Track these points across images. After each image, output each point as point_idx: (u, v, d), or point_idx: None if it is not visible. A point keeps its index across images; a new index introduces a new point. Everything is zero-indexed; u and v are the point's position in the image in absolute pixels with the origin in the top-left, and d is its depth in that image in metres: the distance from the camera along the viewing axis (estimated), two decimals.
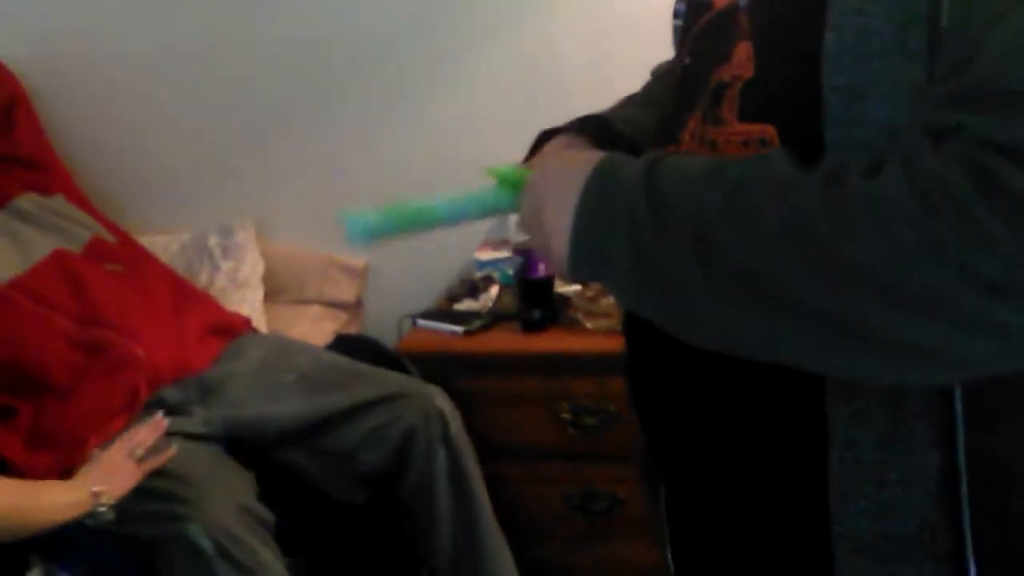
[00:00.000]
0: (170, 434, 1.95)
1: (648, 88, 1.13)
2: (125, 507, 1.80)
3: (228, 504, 1.80)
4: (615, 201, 0.74)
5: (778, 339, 0.68)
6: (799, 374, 0.73)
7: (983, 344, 0.61)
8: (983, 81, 0.62)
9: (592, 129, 1.00)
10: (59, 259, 2.22)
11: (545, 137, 1.03)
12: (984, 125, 0.60)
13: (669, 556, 1.02)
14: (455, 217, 0.95)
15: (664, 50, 1.07)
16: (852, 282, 0.62)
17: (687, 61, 0.91)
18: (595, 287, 2.28)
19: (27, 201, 2.35)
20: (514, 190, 0.93)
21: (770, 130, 0.76)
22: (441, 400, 2.05)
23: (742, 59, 0.80)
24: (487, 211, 0.96)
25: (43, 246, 2.25)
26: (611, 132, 0.99)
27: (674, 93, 0.92)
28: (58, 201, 2.41)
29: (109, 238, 2.39)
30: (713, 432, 0.86)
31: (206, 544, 1.73)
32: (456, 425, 2.04)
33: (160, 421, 1.93)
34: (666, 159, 0.75)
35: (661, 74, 1.10)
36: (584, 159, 0.79)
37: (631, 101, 1.09)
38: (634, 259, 0.72)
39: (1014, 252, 0.58)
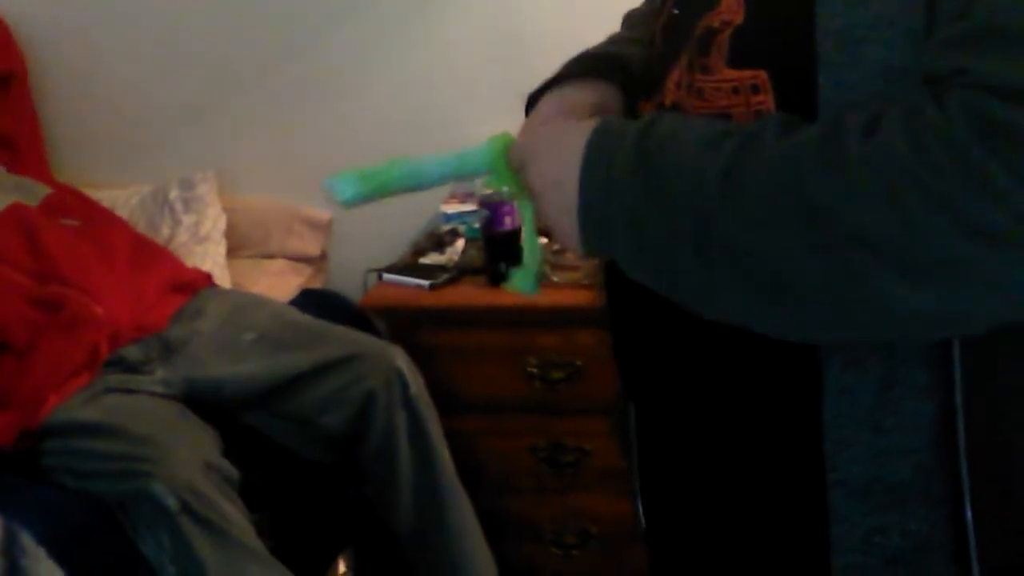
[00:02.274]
0: (132, 391, 1.93)
1: (637, 29, 1.10)
2: (88, 467, 1.79)
3: (192, 461, 1.79)
4: (614, 188, 0.74)
5: (787, 319, 0.68)
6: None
7: (993, 299, 0.61)
8: (983, 24, 0.60)
9: (608, 72, 0.98)
10: (15, 214, 2.18)
11: (556, 81, 1.00)
12: (986, 69, 0.59)
13: (640, 508, 1.01)
14: (441, 177, 0.95)
15: None
16: (859, 253, 0.62)
17: (675, 10, 0.89)
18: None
19: None
20: (503, 152, 0.93)
21: (762, 75, 0.75)
22: (401, 360, 2.04)
23: (732, 4, 0.78)
24: (474, 171, 0.96)
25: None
26: (626, 75, 0.97)
27: (660, 41, 0.90)
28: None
29: (64, 195, 2.36)
30: (703, 382, 0.85)
31: (171, 501, 1.72)
32: (417, 386, 2.03)
33: None
34: (654, 129, 0.74)
35: (637, 19, 1.07)
36: (576, 135, 0.79)
37: (627, 39, 1.06)
38: (637, 246, 0.74)
39: (1020, 201, 0.57)
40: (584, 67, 0.97)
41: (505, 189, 0.92)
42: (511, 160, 0.90)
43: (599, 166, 0.76)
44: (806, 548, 0.78)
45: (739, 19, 0.78)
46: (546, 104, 0.95)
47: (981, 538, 0.73)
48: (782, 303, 0.67)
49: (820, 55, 0.68)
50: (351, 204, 0.94)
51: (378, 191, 0.94)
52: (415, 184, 0.95)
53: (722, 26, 0.80)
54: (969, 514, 0.72)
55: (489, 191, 2.22)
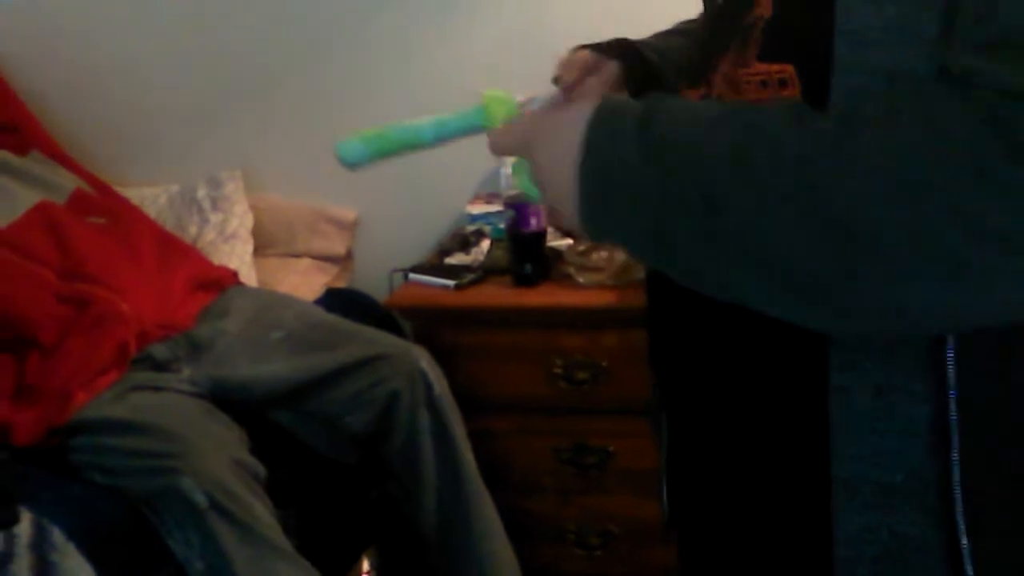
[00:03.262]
0: (159, 389, 1.95)
1: (681, 24, 1.11)
2: (116, 464, 1.80)
3: (220, 457, 1.80)
4: (615, 162, 0.72)
5: (789, 305, 0.67)
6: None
7: (996, 297, 0.61)
8: (1004, 31, 0.60)
9: (622, 54, 0.98)
10: (43, 212, 2.20)
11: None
12: (1005, 73, 0.58)
13: (665, 505, 1.02)
14: (441, 135, 0.97)
15: None
16: (864, 246, 0.61)
17: (719, 2, 0.89)
18: (587, 242, 2.27)
19: (4, 156, 2.32)
20: (503, 112, 0.95)
21: (789, 69, 0.75)
22: (425, 361, 2.05)
23: None
24: (471, 129, 0.97)
25: (26, 199, 2.23)
26: (640, 59, 0.97)
27: (704, 33, 0.90)
28: (34, 157, 2.38)
29: (90, 191, 2.37)
30: (725, 380, 0.86)
31: (199, 497, 1.73)
32: (440, 386, 2.04)
33: None
34: (661, 108, 0.73)
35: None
36: (578, 117, 0.76)
37: (676, 32, 1.07)
38: (641, 223, 0.71)
39: None
40: (605, 47, 0.98)
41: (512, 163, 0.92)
42: (513, 147, 0.88)
43: (600, 145, 0.73)
44: (812, 539, 0.79)
45: (769, 13, 0.79)
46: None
47: (975, 544, 0.73)
48: (787, 290, 0.66)
49: (836, 56, 0.68)
50: (355, 166, 0.98)
51: (379, 152, 0.98)
52: (413, 142, 0.97)
53: (756, 20, 0.80)
54: (961, 520, 0.72)
55: (515, 192, 2.22)
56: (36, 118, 2.56)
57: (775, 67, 0.76)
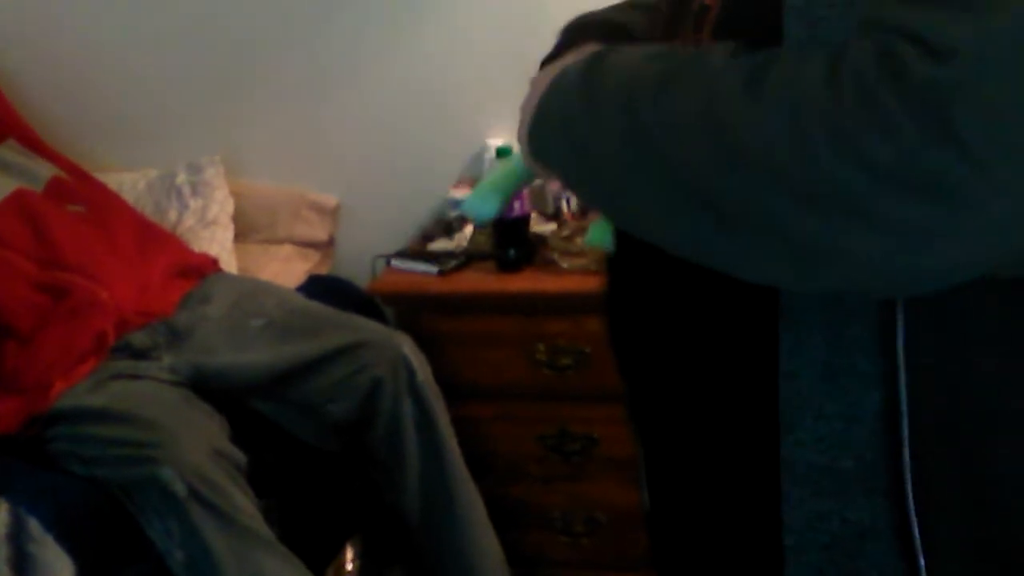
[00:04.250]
0: (138, 377, 1.93)
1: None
2: (95, 453, 1.79)
3: (201, 446, 1.79)
4: (554, 91, 0.78)
5: (690, 231, 0.69)
6: (761, 304, 0.73)
7: (883, 239, 0.60)
8: None
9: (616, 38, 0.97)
10: (19, 200, 2.18)
11: (570, 37, 1.00)
12: (903, 13, 0.59)
13: (646, 496, 1.02)
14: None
15: None
16: (757, 172, 0.62)
17: None
18: (571, 227, 2.26)
19: None
20: None
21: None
22: (408, 348, 2.04)
23: None
24: None
25: (2, 187, 2.21)
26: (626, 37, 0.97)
27: (665, 12, 0.89)
28: (10, 145, 2.36)
29: (68, 178, 2.35)
30: (682, 366, 0.86)
31: (179, 487, 1.72)
32: (423, 373, 2.03)
33: None
34: (614, 48, 0.76)
35: None
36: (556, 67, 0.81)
37: (634, 5, 1.06)
38: (568, 142, 0.76)
39: (914, 142, 0.57)
40: (587, 36, 0.97)
41: None
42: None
43: (557, 83, 0.78)
44: (763, 526, 0.79)
45: None
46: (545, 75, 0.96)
47: (925, 530, 0.72)
48: (690, 214, 0.67)
49: (786, 34, 0.68)
50: (492, 217, 1.01)
51: (508, 194, 1.00)
52: (523, 181, 0.99)
53: (712, 2, 0.80)
54: (912, 506, 0.71)
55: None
56: (12, 105, 2.53)
57: None
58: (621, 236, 0.92)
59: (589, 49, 0.81)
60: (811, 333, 0.72)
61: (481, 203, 0.99)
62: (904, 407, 0.70)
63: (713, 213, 0.65)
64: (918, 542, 0.72)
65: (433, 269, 2.24)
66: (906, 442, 0.71)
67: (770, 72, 0.63)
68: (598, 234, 0.95)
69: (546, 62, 0.98)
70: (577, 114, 0.75)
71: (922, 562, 0.72)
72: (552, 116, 0.79)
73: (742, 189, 0.63)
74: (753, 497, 0.80)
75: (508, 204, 1.00)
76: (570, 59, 0.81)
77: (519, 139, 0.87)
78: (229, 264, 2.45)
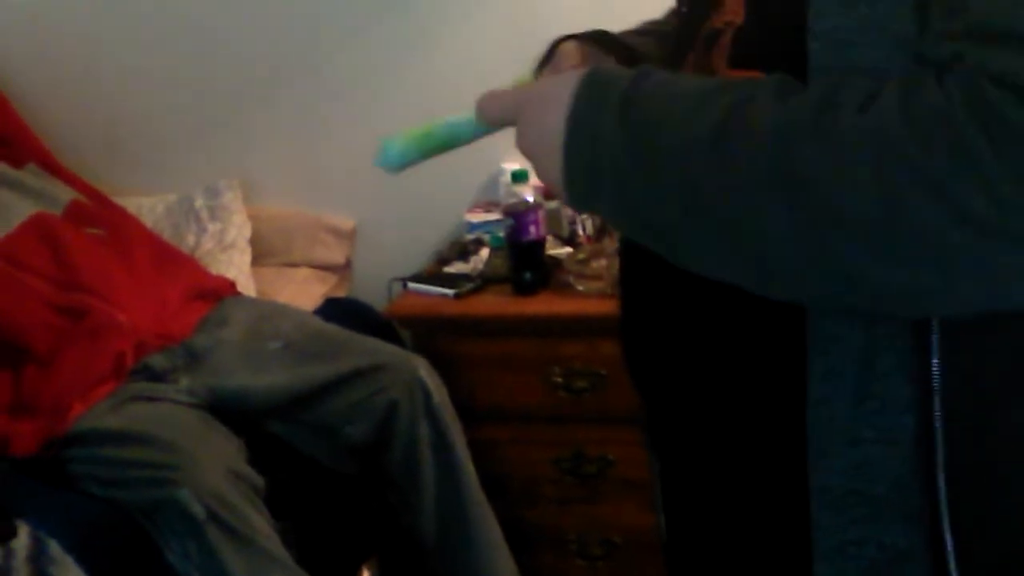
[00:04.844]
0: (156, 399, 1.94)
1: (646, 25, 1.10)
2: (114, 475, 1.79)
3: (219, 469, 1.79)
4: (599, 141, 0.72)
5: (769, 283, 0.68)
6: (786, 329, 0.72)
7: (970, 285, 0.61)
8: (981, 19, 0.59)
9: (606, 44, 0.97)
10: (39, 223, 2.20)
11: (559, 43, 0.99)
12: (985, 56, 0.58)
13: (662, 520, 1.01)
14: (478, 129, 0.93)
15: None
16: (839, 230, 0.61)
17: (683, 9, 0.88)
18: (586, 250, 2.26)
19: (1, 168, 2.32)
20: None
21: (760, 76, 0.74)
22: (424, 371, 2.04)
23: (734, 4, 0.78)
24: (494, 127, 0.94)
25: (22, 210, 2.22)
26: (623, 48, 0.97)
27: (669, 42, 0.90)
28: (31, 170, 2.38)
29: (87, 202, 2.37)
30: (703, 388, 0.85)
31: (197, 509, 1.72)
32: (440, 396, 2.03)
33: None
34: (646, 81, 0.72)
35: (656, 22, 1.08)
36: (564, 86, 0.75)
37: (643, 32, 1.06)
38: (622, 200, 0.72)
39: (1010, 191, 0.56)
40: (590, 36, 0.98)
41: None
42: (500, 115, 0.86)
43: (586, 117, 0.73)
44: (792, 554, 0.78)
45: (740, 19, 0.78)
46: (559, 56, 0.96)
47: (961, 555, 0.71)
48: (761, 269, 0.67)
49: (811, 57, 0.67)
50: (398, 168, 0.96)
51: (424, 152, 0.96)
52: (455, 140, 0.95)
53: (725, 27, 0.79)
54: (948, 531, 0.71)
55: (514, 200, 2.21)
56: (32, 131, 2.55)
57: (746, 74, 0.75)
58: (634, 259, 0.92)
59: (599, 77, 0.75)
60: (843, 359, 0.72)
61: (395, 151, 0.95)
62: (939, 432, 0.70)
63: (778, 263, 0.66)
64: (953, 567, 0.71)
65: (449, 292, 2.24)
66: (941, 466, 0.70)
67: (838, 118, 0.62)
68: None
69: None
70: (628, 173, 0.70)
71: None
72: (592, 166, 0.73)
73: (817, 244, 0.63)
74: (780, 524, 0.80)
75: (420, 161, 0.96)
76: (572, 83, 0.75)
77: (541, 177, 0.80)
78: (247, 287, 2.46)
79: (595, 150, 0.72)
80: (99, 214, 2.36)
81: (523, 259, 2.21)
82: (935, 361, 0.69)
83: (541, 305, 2.18)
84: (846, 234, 0.61)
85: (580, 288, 2.16)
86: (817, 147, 0.62)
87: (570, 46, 0.96)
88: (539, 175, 0.80)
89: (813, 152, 0.62)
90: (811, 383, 0.73)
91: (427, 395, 2.02)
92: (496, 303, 2.22)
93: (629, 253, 0.94)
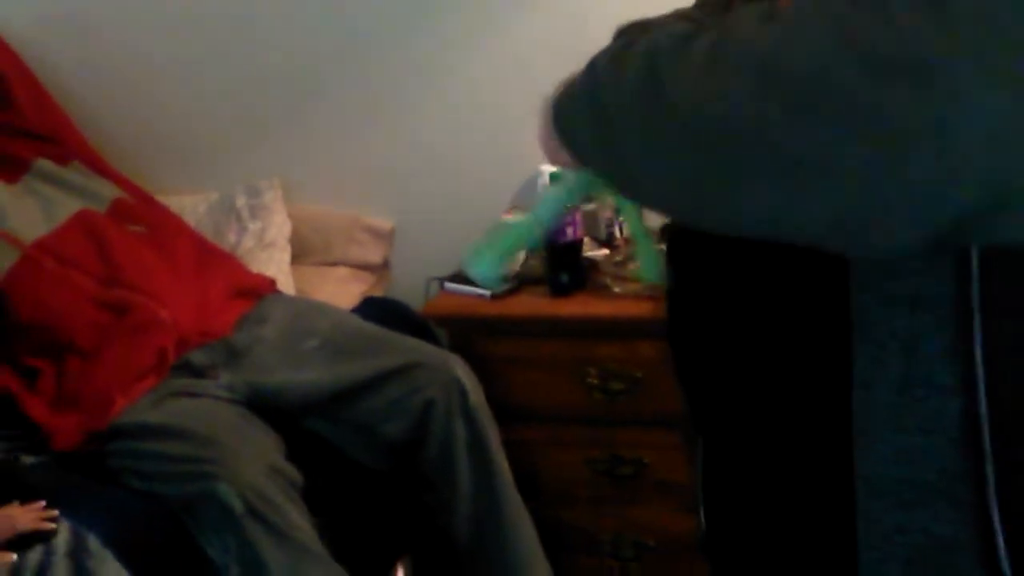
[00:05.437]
0: (197, 395, 1.96)
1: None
2: (154, 469, 1.82)
3: (258, 463, 1.81)
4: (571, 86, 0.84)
5: (690, 163, 0.69)
6: (831, 315, 0.72)
7: (872, 147, 0.59)
8: None
9: None
10: (84, 220, 2.23)
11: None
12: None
13: (702, 515, 1.02)
14: (554, 216, 1.02)
15: None
16: (760, 83, 0.62)
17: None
18: (623, 252, 2.26)
19: (47, 165, 2.35)
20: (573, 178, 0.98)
21: None
22: (460, 371, 2.05)
23: None
24: (580, 192, 1.02)
25: (68, 207, 2.25)
26: None
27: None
28: (76, 167, 2.41)
29: (130, 200, 2.40)
30: (748, 376, 0.86)
31: (236, 503, 1.74)
32: (476, 396, 2.04)
33: (44, 513, 1.71)
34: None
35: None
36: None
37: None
38: (589, 110, 0.79)
39: (908, 22, 0.56)
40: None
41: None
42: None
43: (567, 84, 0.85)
44: (837, 542, 0.78)
45: None
46: None
47: (1011, 541, 0.70)
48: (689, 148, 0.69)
49: None
50: (493, 279, 1.06)
51: (509, 259, 1.07)
52: (534, 236, 1.03)
53: None
54: (996, 517, 0.70)
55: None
56: (77, 128, 2.59)
57: None
58: (680, 263, 0.93)
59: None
60: (887, 346, 0.72)
61: (488, 268, 1.04)
62: (985, 417, 0.69)
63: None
64: (1003, 553, 0.71)
65: (486, 292, 2.25)
66: (988, 453, 0.70)
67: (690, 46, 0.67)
68: (647, 266, 0.96)
69: None
70: (604, 81, 0.77)
71: (1008, 574, 0.71)
72: (578, 87, 0.82)
73: (750, 104, 0.63)
74: (825, 512, 0.80)
75: (510, 260, 1.06)
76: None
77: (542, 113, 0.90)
78: (286, 285, 2.48)
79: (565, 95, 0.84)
80: (142, 212, 2.39)
81: (560, 260, 2.22)
82: (978, 345, 0.69)
83: (577, 307, 2.18)
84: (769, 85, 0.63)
85: (617, 290, 2.17)
86: (672, 65, 0.67)
87: None
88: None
89: (669, 69, 0.67)
90: (856, 369, 0.73)
91: (463, 395, 2.03)
92: (532, 304, 2.23)
93: (675, 239, 0.95)
